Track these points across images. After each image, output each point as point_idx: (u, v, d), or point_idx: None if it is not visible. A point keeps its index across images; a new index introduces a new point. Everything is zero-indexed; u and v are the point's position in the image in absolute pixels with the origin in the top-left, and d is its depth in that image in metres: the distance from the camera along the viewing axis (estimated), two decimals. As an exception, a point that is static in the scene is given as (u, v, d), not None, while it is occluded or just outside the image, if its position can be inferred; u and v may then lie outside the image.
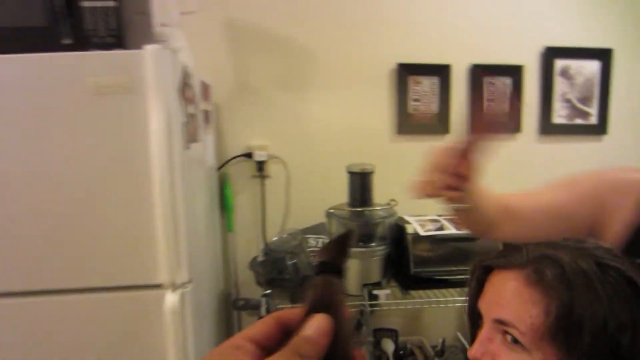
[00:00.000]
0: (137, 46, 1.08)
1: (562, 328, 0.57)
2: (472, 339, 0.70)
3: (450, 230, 1.49)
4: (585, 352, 0.56)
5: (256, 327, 0.33)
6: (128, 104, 1.00)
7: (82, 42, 1.10)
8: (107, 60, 0.99)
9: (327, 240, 1.65)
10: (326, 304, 0.33)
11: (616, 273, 0.60)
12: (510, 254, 0.66)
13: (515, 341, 0.60)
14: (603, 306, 0.57)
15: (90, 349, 1.13)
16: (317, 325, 0.31)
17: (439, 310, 1.84)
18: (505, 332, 0.62)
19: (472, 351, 0.65)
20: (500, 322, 0.62)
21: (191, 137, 1.19)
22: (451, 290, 1.54)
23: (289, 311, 0.34)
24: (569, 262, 0.60)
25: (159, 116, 0.99)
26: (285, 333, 0.33)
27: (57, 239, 1.08)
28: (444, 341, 1.73)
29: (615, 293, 0.58)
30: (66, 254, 1.08)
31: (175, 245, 1.09)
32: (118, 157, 1.04)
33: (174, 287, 1.11)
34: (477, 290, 0.69)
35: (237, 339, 0.31)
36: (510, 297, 0.62)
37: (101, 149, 1.04)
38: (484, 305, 0.66)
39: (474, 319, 0.70)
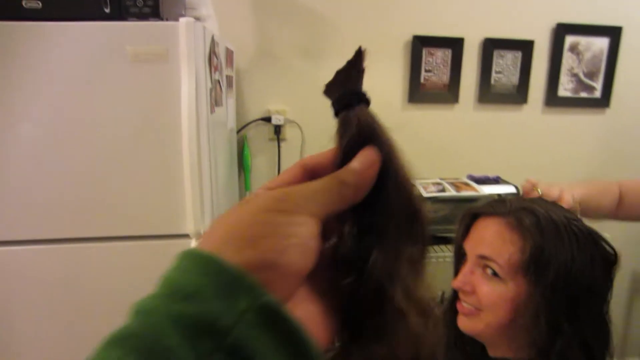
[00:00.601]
0: (170, 14, 1.19)
1: (534, 265, 0.71)
2: (455, 273, 0.84)
3: (451, 192, 1.61)
4: (549, 285, 0.70)
5: (282, 176, 0.31)
6: (162, 71, 1.12)
7: (120, 12, 1.21)
8: (145, 30, 1.10)
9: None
10: (366, 136, 0.29)
11: (579, 226, 0.74)
12: (496, 205, 0.80)
13: (494, 274, 0.75)
14: (566, 250, 0.71)
15: (119, 296, 1.25)
16: (363, 156, 0.29)
17: (439, 266, 1.98)
18: (486, 266, 0.76)
19: (456, 282, 0.79)
20: (482, 257, 0.76)
21: (216, 102, 1.32)
22: (450, 247, 1.67)
23: (317, 155, 0.32)
24: (543, 213, 0.74)
25: (189, 83, 1.11)
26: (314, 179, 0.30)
27: (95, 191, 1.22)
28: (443, 294, 1.87)
29: (577, 242, 0.72)
30: (104, 205, 1.22)
31: (201, 198, 1.22)
32: (152, 118, 1.17)
33: (199, 236, 1.23)
34: (464, 233, 0.83)
35: (268, 184, 0.30)
36: (493, 238, 0.76)
37: (137, 111, 1.16)
38: (469, 244, 0.80)
39: (459, 257, 0.84)
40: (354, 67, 0.30)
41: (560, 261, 0.70)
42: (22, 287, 1.27)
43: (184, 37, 1.09)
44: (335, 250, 0.28)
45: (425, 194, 1.60)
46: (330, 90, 0.30)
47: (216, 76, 1.30)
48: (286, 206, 0.26)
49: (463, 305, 0.80)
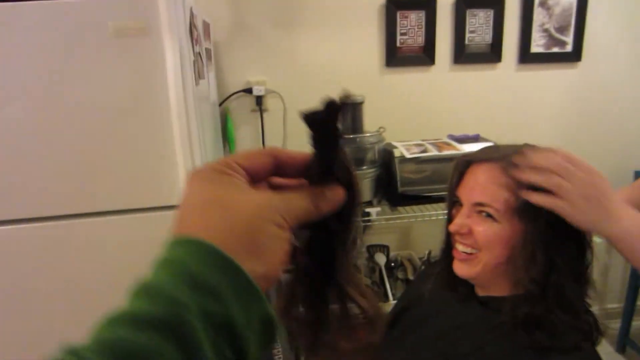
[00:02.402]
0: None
1: (528, 207, 0.75)
2: (449, 219, 0.89)
3: (433, 152, 1.66)
4: (544, 224, 0.75)
5: (252, 158, 0.33)
6: (144, 45, 1.12)
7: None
8: (124, 5, 1.09)
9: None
10: (343, 178, 0.35)
11: None
12: (489, 151, 0.84)
13: (489, 216, 0.79)
14: None
15: (113, 269, 1.26)
16: (336, 194, 0.34)
17: (425, 226, 2.05)
18: (481, 211, 0.80)
19: (453, 225, 0.84)
20: (479, 204, 0.80)
21: (199, 75, 1.32)
22: (435, 205, 1.73)
23: (288, 153, 0.35)
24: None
25: (174, 55, 1.12)
26: (278, 171, 0.35)
27: (87, 167, 1.22)
28: (429, 252, 1.95)
29: None
30: (97, 181, 1.23)
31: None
32: (138, 92, 1.17)
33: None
34: (457, 180, 0.87)
35: (231, 161, 0.32)
36: (488, 183, 0.80)
37: (123, 86, 1.16)
38: (464, 191, 0.84)
39: (452, 203, 0.89)
40: (331, 113, 0.32)
41: None
42: (17, 266, 1.28)
43: (164, 9, 1.09)
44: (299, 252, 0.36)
45: (408, 155, 1.64)
46: (310, 120, 0.32)
47: (197, 49, 1.31)
48: (280, 220, 0.30)
49: (459, 250, 0.85)
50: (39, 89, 1.16)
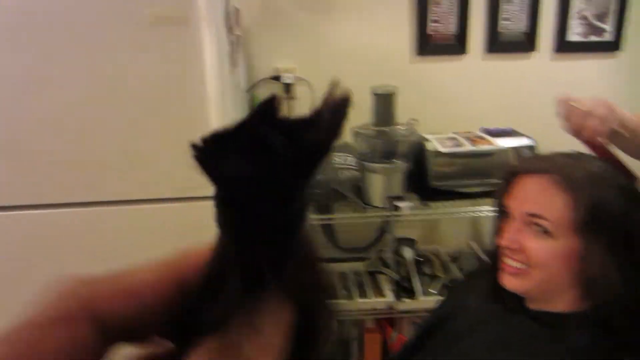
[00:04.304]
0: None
1: (588, 221, 0.70)
2: (497, 231, 0.84)
3: (468, 147, 1.61)
4: (606, 240, 0.70)
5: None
6: (182, 33, 1.08)
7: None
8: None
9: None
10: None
11: (630, 182, 0.74)
12: (537, 162, 0.79)
13: (544, 231, 0.74)
14: (621, 206, 0.71)
15: (144, 257, 1.29)
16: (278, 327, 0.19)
17: (454, 221, 2.01)
18: (534, 224, 0.76)
19: (503, 240, 0.79)
20: (531, 215, 0.76)
21: (233, 62, 1.28)
22: (466, 201, 1.68)
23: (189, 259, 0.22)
24: (588, 167, 0.74)
25: (211, 44, 1.08)
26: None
27: (123, 155, 1.21)
28: (458, 248, 1.91)
29: (630, 198, 0.72)
30: (134, 170, 1.22)
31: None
32: (177, 82, 1.14)
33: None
34: (505, 190, 0.82)
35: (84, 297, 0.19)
36: (539, 195, 0.75)
37: (162, 74, 1.14)
38: (513, 202, 0.80)
39: (500, 214, 0.84)
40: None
41: (614, 215, 0.70)
42: (55, 249, 1.28)
43: (202, -3, 1.04)
44: None
45: (442, 149, 1.59)
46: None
47: (231, 37, 1.26)
48: None
49: (509, 263, 0.80)
50: (77, 76, 1.14)
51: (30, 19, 1.10)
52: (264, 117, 0.19)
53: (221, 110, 1.14)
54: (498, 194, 0.86)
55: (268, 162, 0.18)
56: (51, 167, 1.21)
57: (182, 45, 1.10)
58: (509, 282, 0.81)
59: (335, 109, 0.19)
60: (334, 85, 0.19)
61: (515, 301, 0.85)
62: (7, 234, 1.26)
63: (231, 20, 1.31)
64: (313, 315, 0.21)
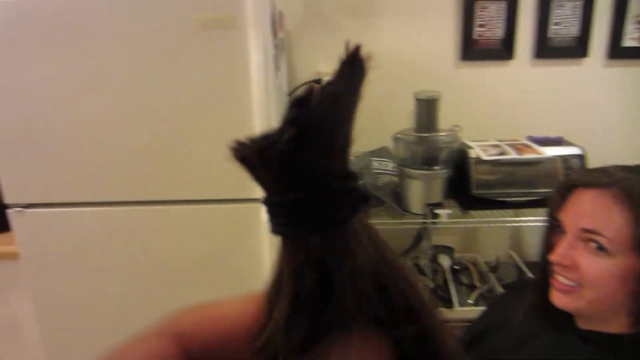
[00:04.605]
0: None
1: None
2: (546, 246, 0.81)
3: (513, 155, 1.56)
4: None
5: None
6: (229, 38, 1.10)
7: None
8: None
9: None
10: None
11: None
12: (596, 175, 0.75)
13: (599, 248, 0.71)
14: None
15: (191, 258, 1.32)
16: None
17: (493, 230, 1.96)
18: (589, 240, 0.72)
19: (555, 256, 0.76)
20: (586, 231, 0.72)
21: (277, 67, 1.29)
22: (509, 211, 1.63)
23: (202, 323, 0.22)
24: None
25: (257, 49, 1.09)
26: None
27: (170, 156, 1.24)
28: (497, 258, 1.86)
29: None
30: (176, 170, 1.25)
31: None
32: (223, 85, 1.16)
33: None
34: (559, 204, 0.78)
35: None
36: (597, 210, 0.71)
37: (208, 78, 1.16)
38: (568, 217, 0.76)
39: (552, 228, 0.81)
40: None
41: None
42: (107, 246, 1.33)
43: (250, 1, 1.05)
44: None
45: (485, 157, 1.55)
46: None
47: (276, 41, 1.27)
48: None
49: (559, 280, 0.77)
50: (127, 79, 1.18)
51: (86, 26, 1.14)
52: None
53: (265, 114, 1.15)
54: (551, 207, 0.82)
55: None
56: (106, 166, 1.26)
57: (229, 49, 1.12)
58: (559, 299, 0.78)
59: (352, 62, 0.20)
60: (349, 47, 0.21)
61: (565, 319, 0.81)
62: (70, 229, 1.32)
63: (276, 23, 1.32)
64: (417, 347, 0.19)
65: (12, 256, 1.50)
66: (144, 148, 1.23)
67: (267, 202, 0.21)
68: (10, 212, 1.31)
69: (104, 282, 1.36)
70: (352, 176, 0.21)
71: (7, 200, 1.31)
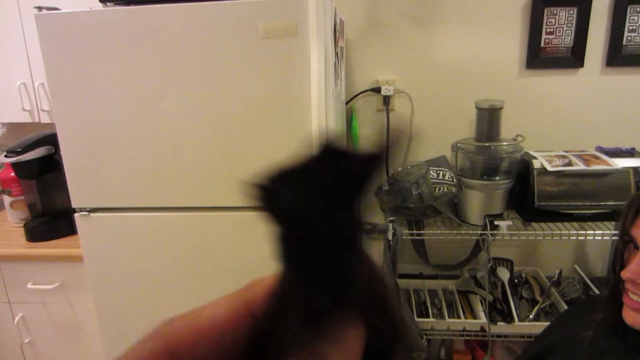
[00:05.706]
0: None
1: None
2: (619, 261, 0.78)
3: (580, 166, 1.49)
4: None
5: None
6: (291, 46, 1.14)
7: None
8: (275, 7, 1.11)
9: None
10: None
11: None
12: None
13: None
14: None
15: (251, 262, 1.35)
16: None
17: (556, 243, 1.88)
18: None
19: (627, 272, 0.73)
20: None
21: (336, 75, 1.31)
22: (573, 224, 1.56)
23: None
24: None
25: (319, 57, 1.11)
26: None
27: (228, 164, 1.28)
28: (560, 272, 1.78)
29: None
30: (236, 177, 1.27)
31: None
32: (283, 93, 1.19)
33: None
34: (632, 219, 0.75)
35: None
36: None
37: (270, 85, 1.19)
38: None
39: (624, 243, 0.77)
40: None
41: None
42: (168, 250, 1.39)
43: (313, 9, 1.08)
44: None
45: (550, 168, 1.50)
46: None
47: (337, 49, 1.29)
48: None
49: (633, 298, 0.73)
50: (190, 87, 1.23)
51: (148, 35, 1.20)
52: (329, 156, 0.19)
53: (324, 122, 1.17)
54: (623, 222, 0.78)
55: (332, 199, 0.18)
56: (168, 173, 1.31)
57: (291, 57, 1.15)
58: (632, 318, 0.74)
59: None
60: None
61: (638, 339, 0.78)
62: (131, 233, 1.39)
63: (337, 32, 1.35)
64: (382, 336, 0.21)
65: (77, 259, 1.59)
66: (205, 155, 1.27)
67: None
68: (76, 216, 1.38)
69: (164, 285, 1.41)
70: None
71: (74, 204, 1.37)
